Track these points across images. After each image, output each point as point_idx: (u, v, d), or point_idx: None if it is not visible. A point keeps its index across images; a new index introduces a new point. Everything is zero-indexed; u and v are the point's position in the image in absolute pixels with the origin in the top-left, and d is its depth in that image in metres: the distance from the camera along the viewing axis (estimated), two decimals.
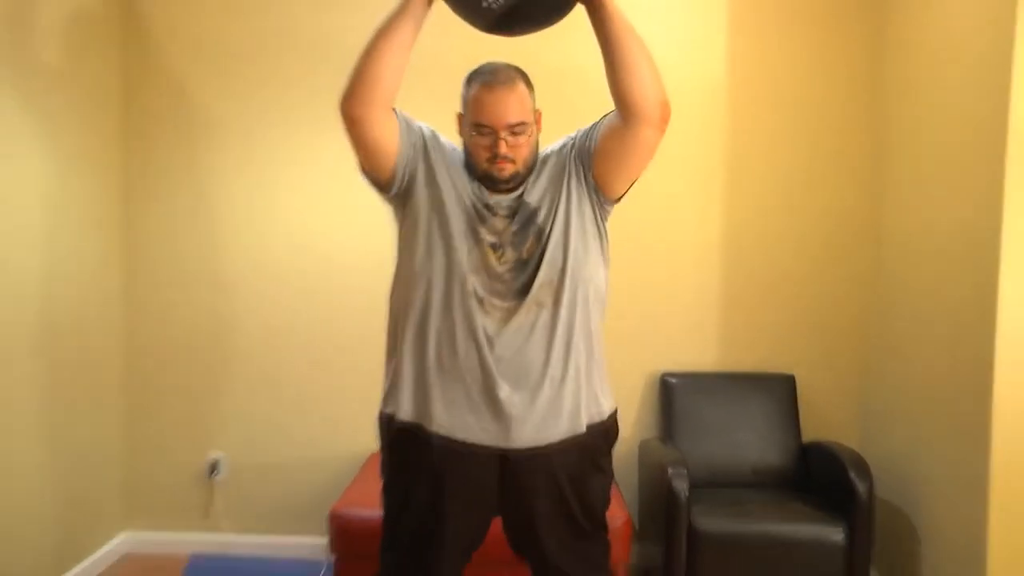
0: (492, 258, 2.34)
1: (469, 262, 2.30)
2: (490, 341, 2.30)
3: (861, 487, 3.57)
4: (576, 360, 2.35)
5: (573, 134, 2.47)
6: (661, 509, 3.70)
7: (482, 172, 2.34)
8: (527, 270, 2.32)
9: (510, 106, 2.29)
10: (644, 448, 4.22)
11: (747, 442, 4.13)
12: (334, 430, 4.43)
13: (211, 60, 4.39)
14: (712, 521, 3.64)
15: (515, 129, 2.29)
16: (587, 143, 2.39)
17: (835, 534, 3.57)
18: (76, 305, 3.96)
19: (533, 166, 2.39)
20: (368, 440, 3.83)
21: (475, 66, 2.39)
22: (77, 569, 4.07)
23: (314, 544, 4.33)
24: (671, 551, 3.63)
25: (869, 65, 4.26)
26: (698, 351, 4.40)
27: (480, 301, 2.29)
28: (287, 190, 4.41)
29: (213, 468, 4.42)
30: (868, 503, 3.58)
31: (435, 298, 2.31)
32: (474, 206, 2.34)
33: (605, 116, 2.39)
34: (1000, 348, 3.15)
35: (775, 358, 4.37)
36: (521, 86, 2.34)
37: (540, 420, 2.30)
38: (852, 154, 4.31)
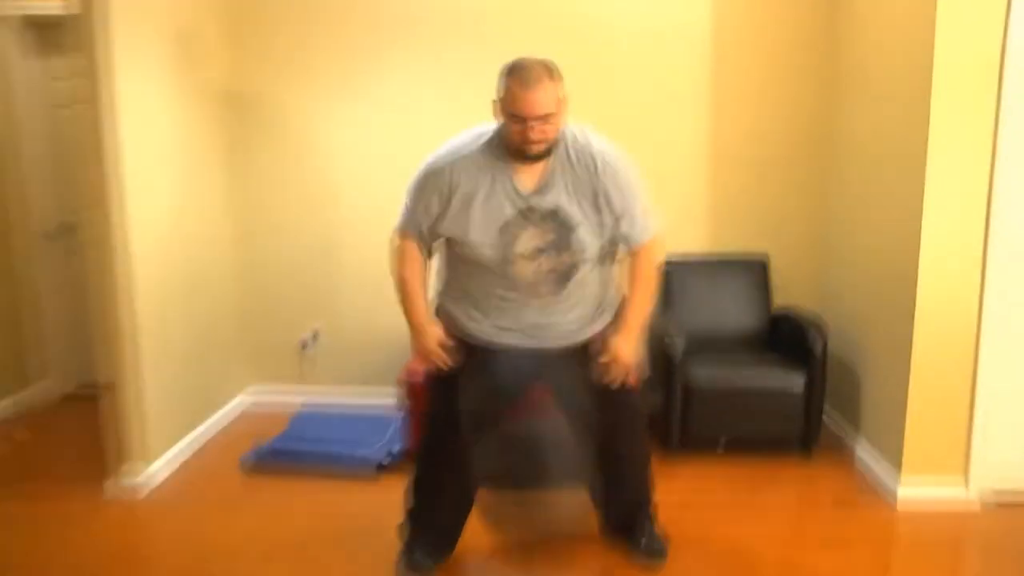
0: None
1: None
2: (531, 289, 2.83)
3: (817, 346, 4.02)
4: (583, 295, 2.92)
5: (615, 201, 2.78)
6: (661, 365, 4.14)
7: (515, 148, 2.68)
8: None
9: (539, 101, 2.59)
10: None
11: (729, 311, 4.54)
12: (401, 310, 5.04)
13: (307, 21, 4.71)
14: (701, 375, 4.09)
15: (543, 119, 2.61)
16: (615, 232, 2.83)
17: (797, 382, 4.05)
18: (198, 220, 4.44)
19: (556, 141, 2.72)
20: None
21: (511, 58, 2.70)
22: (214, 417, 4.67)
23: (390, 397, 4.77)
24: (669, 398, 4.10)
25: (828, 8, 4.50)
26: (690, 239, 4.75)
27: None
28: (377, 116, 4.74)
29: (309, 340, 4.97)
30: (822, 358, 4.01)
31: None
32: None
33: (614, 228, 2.81)
34: (925, 232, 3.48)
35: (752, 243, 4.74)
36: (548, 82, 2.61)
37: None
38: (813, 76, 4.61)
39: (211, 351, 4.63)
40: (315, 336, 4.99)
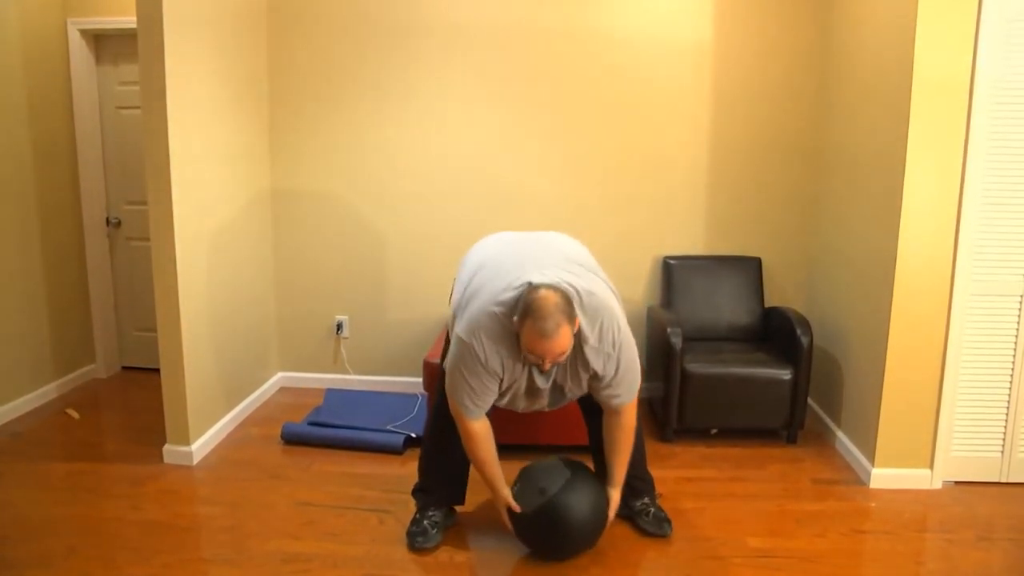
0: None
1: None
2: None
3: (804, 340, 4.15)
4: None
5: (600, 370, 2.92)
6: (662, 356, 4.29)
7: (532, 363, 2.88)
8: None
9: (556, 350, 2.72)
10: (650, 312, 4.79)
11: (724, 307, 4.68)
12: (425, 301, 5.09)
13: (344, 27, 4.89)
14: (698, 365, 4.21)
15: (558, 357, 2.78)
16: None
17: (784, 374, 4.19)
18: (241, 214, 4.60)
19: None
20: (448, 309, 4.57)
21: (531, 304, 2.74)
22: (252, 396, 4.87)
23: (412, 382, 5.13)
24: (668, 386, 4.24)
25: (819, 30, 4.66)
26: (690, 240, 4.93)
27: None
28: (407, 120, 4.92)
29: (339, 327, 5.16)
30: (808, 351, 4.15)
31: None
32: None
33: (610, 392, 3.00)
34: (902, 237, 3.63)
35: (747, 244, 4.93)
36: (565, 328, 2.71)
37: None
38: (804, 95, 4.77)
39: (251, 337, 4.83)
40: (345, 324, 5.16)
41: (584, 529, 3.04)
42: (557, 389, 3.07)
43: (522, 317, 2.73)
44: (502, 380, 2.95)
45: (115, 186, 5.37)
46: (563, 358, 2.80)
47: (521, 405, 3.12)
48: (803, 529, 3.42)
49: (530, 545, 3.16)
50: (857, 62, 4.19)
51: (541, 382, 2.99)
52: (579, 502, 3.04)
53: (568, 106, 4.81)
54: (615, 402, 3.05)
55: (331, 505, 3.62)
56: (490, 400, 2.99)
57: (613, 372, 2.95)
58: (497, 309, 2.86)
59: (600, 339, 2.89)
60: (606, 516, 3.14)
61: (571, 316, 2.75)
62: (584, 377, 2.99)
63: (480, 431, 3.04)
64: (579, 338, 2.88)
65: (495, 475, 3.10)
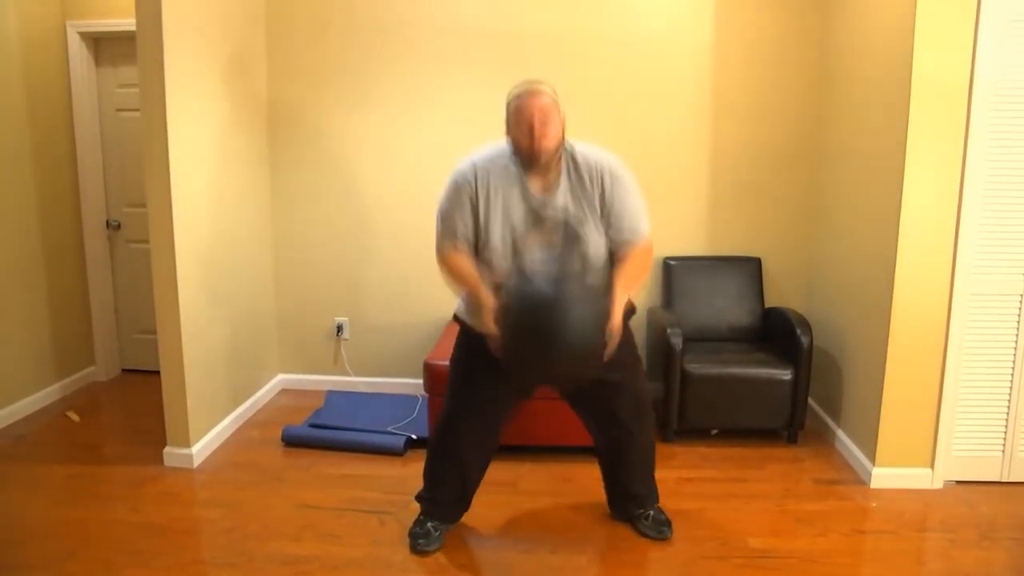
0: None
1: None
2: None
3: (804, 341, 4.15)
4: None
5: (615, 203, 2.93)
6: (662, 356, 4.30)
7: (525, 156, 2.87)
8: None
9: (540, 105, 2.82)
10: (651, 312, 4.80)
11: (725, 308, 4.68)
12: (426, 302, 5.08)
13: (342, 30, 4.87)
14: (698, 365, 4.21)
15: (544, 122, 2.82)
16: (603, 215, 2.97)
17: (785, 374, 4.19)
18: (240, 220, 4.60)
19: (561, 149, 2.91)
20: (450, 310, 4.61)
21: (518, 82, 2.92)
22: (252, 399, 4.86)
23: (413, 384, 5.11)
24: (669, 386, 4.24)
25: (819, 32, 4.66)
26: (691, 241, 4.92)
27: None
28: (403, 123, 4.91)
29: (339, 329, 5.16)
30: (808, 352, 4.15)
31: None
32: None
33: (614, 229, 2.95)
34: (902, 237, 3.63)
35: (747, 245, 4.92)
36: (547, 93, 2.86)
37: None
38: (804, 97, 4.77)
39: (251, 339, 4.83)
40: (345, 326, 5.16)
41: (581, 324, 2.64)
42: (563, 216, 2.94)
43: (509, 99, 2.90)
44: (482, 189, 2.93)
45: (115, 188, 5.37)
46: (549, 130, 2.83)
47: (528, 244, 2.95)
48: (804, 529, 3.42)
49: (516, 345, 2.74)
50: (856, 63, 4.20)
51: (545, 205, 2.93)
52: (579, 293, 2.70)
53: (569, 108, 4.70)
54: (624, 231, 2.97)
55: (331, 507, 3.62)
56: (464, 224, 2.96)
57: (613, 190, 2.95)
58: (492, 148, 3.01)
59: (590, 152, 3.00)
60: (607, 316, 2.77)
61: (552, 91, 2.89)
62: (588, 197, 2.94)
63: (460, 251, 2.99)
64: (571, 152, 2.98)
65: (478, 280, 2.93)
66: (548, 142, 2.84)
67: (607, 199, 2.95)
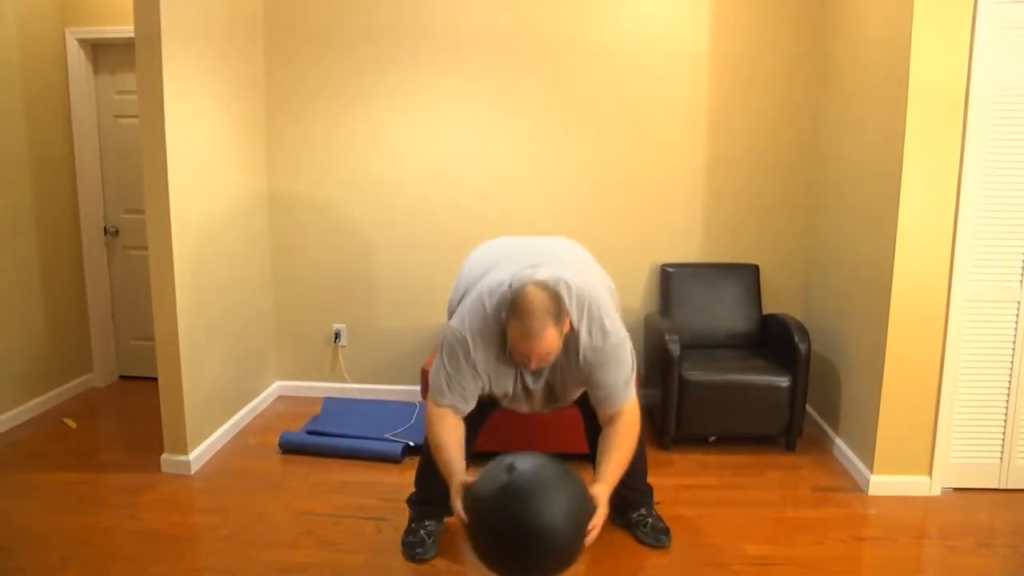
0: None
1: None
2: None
3: (802, 347, 4.15)
4: None
5: (599, 379, 2.87)
6: (660, 363, 4.26)
7: (517, 363, 2.85)
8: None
9: (541, 350, 2.68)
10: (648, 319, 4.77)
11: (722, 314, 4.68)
12: (423, 309, 5.08)
13: (339, 36, 4.87)
14: (696, 372, 4.20)
15: (544, 358, 2.74)
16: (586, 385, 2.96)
17: (783, 381, 4.18)
18: (239, 222, 4.59)
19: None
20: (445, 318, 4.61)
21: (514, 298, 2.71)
22: (250, 405, 4.86)
23: (410, 390, 5.12)
24: (667, 393, 4.22)
25: (816, 40, 4.68)
26: (688, 247, 4.92)
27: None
28: (404, 129, 4.92)
29: (337, 336, 5.16)
30: (806, 359, 4.15)
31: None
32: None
33: (593, 396, 2.93)
34: (899, 244, 3.64)
35: (744, 251, 4.93)
36: (551, 329, 2.66)
37: None
38: (801, 100, 4.78)
39: (249, 346, 4.82)
40: (343, 333, 5.15)
41: (560, 525, 2.32)
42: (548, 389, 3.02)
43: (509, 315, 2.70)
44: (487, 385, 2.93)
45: (113, 195, 5.36)
46: (550, 358, 2.76)
47: (524, 408, 3.12)
48: (802, 536, 3.41)
49: (487, 551, 2.45)
50: (853, 70, 4.21)
51: (531, 382, 2.97)
52: (558, 488, 2.39)
53: (565, 114, 4.81)
54: (607, 402, 2.91)
55: (329, 514, 3.61)
56: (466, 395, 2.90)
57: (600, 370, 2.88)
58: (488, 305, 2.85)
59: (590, 332, 2.85)
60: (589, 515, 2.53)
61: (558, 316, 2.69)
62: (576, 377, 2.95)
63: (447, 418, 2.89)
64: (571, 337, 2.86)
65: (452, 459, 2.79)
66: (546, 363, 2.82)
67: (590, 375, 2.91)
